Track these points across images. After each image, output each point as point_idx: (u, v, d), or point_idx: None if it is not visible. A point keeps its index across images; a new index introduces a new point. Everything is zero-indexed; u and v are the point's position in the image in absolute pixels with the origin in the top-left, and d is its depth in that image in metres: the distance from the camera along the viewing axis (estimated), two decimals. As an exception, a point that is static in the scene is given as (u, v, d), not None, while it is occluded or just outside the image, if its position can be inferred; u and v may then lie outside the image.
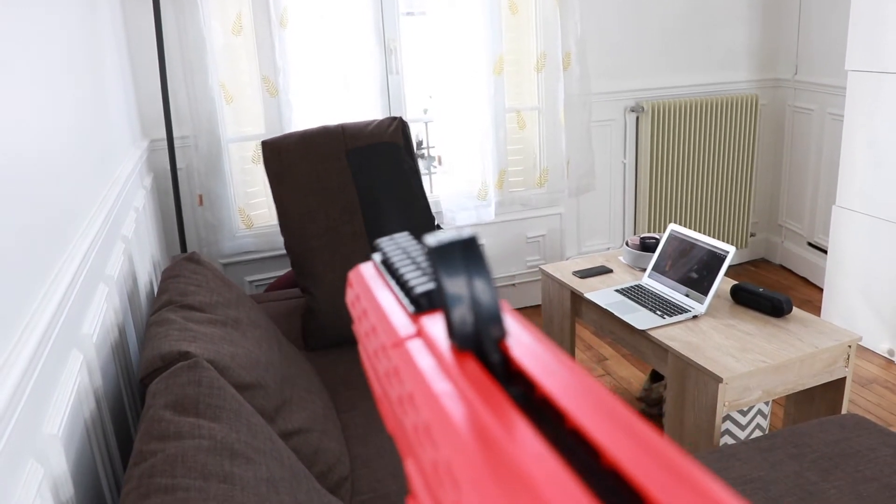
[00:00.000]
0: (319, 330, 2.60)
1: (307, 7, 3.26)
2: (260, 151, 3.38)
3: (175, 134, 3.17)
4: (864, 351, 3.44)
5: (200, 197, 3.30)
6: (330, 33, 3.34)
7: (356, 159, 2.59)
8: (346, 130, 2.63)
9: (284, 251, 3.30)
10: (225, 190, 3.32)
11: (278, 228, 3.11)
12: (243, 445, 1.37)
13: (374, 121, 2.67)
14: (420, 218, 2.64)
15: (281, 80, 3.26)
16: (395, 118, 2.66)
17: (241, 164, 3.41)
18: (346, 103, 3.39)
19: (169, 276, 2.08)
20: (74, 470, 1.33)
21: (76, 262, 1.55)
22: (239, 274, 3.47)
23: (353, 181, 2.58)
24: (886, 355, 3.38)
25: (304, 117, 3.29)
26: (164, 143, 3.14)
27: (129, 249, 2.22)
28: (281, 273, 3.47)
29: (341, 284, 2.57)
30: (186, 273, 2.10)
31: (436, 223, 2.70)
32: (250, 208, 3.45)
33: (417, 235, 2.60)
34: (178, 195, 3.15)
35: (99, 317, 1.69)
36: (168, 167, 3.15)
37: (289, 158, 2.62)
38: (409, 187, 2.62)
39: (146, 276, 2.52)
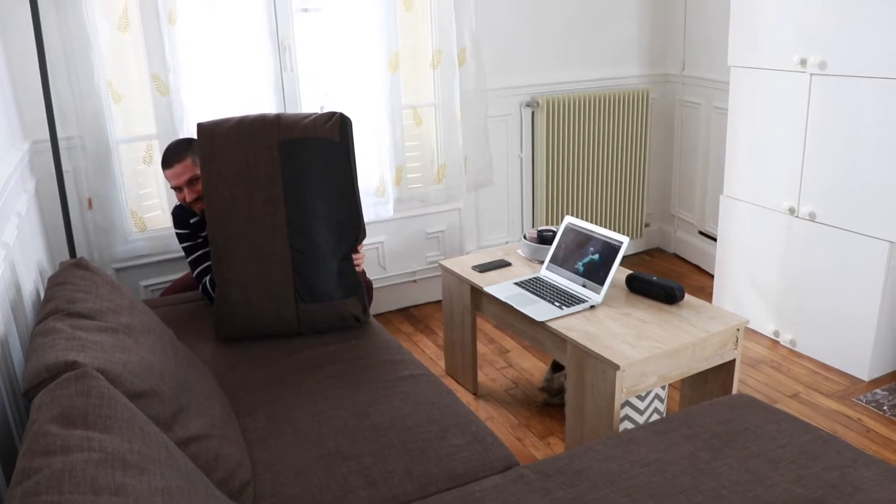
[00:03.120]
0: (230, 318, 2.55)
1: (197, 3, 3.18)
2: (150, 152, 3.30)
3: (60, 135, 3.03)
4: (752, 333, 3.61)
5: (90, 200, 3.18)
6: (221, 30, 3.26)
7: (288, 151, 2.54)
8: (281, 121, 2.58)
9: (179, 254, 3.23)
10: (116, 192, 3.21)
11: (173, 231, 3.02)
12: (136, 456, 1.32)
13: (312, 114, 2.62)
14: (346, 218, 2.61)
15: (171, 79, 3.17)
16: (333, 113, 2.60)
17: (132, 165, 3.29)
18: (240, 102, 3.32)
19: (55, 284, 2.00)
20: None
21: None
22: (133, 279, 3.36)
23: (282, 173, 2.53)
24: (772, 336, 3.55)
25: (196, 116, 3.20)
26: (48, 145, 2.99)
27: (11, 257, 2.12)
28: (176, 276, 3.37)
29: (253, 274, 2.53)
30: (74, 280, 2.02)
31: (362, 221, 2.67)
32: (143, 210, 3.34)
33: (340, 232, 2.58)
34: (64, 198, 3.01)
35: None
36: (53, 170, 3.01)
37: (221, 143, 2.56)
38: (339, 186, 2.58)
39: (31, 284, 2.41)
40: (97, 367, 1.56)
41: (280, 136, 2.54)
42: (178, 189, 2.83)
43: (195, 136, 2.78)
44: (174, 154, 2.81)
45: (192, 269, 2.87)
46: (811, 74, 3.15)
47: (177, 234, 2.90)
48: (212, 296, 2.78)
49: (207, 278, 2.78)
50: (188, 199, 2.81)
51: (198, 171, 2.76)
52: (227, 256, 2.55)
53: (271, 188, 2.53)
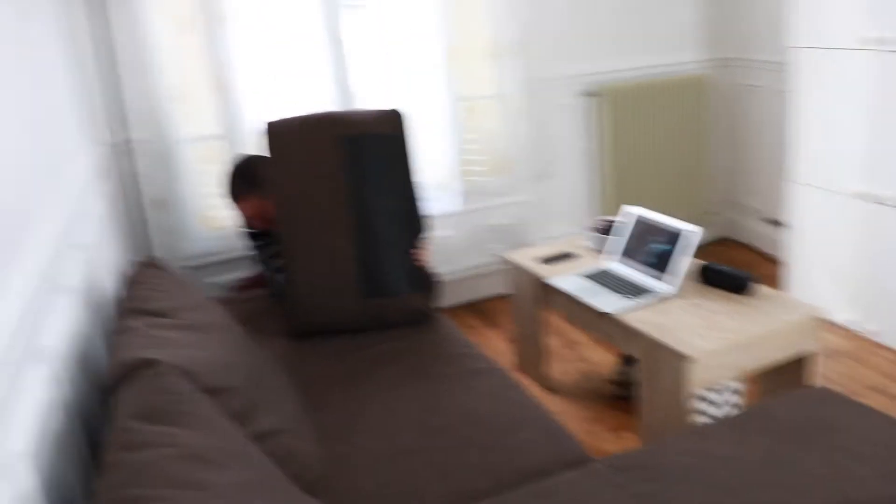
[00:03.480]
0: (300, 313, 2.59)
1: (256, 3, 3.24)
2: (214, 152, 3.36)
3: (130, 137, 3.11)
4: (829, 324, 3.50)
5: (159, 201, 3.25)
6: (280, 30, 3.33)
7: (351, 147, 2.58)
8: (343, 118, 2.63)
9: (243, 252, 3.28)
10: (182, 192, 3.28)
11: (237, 230, 3.07)
12: (214, 451, 1.35)
13: (372, 110, 2.67)
14: (409, 213, 2.64)
15: (231, 78, 3.22)
16: (391, 109, 2.65)
17: (197, 164, 3.35)
18: (299, 99, 3.36)
19: (130, 283, 2.05)
20: (48, 486, 1.30)
21: (33, 274, 1.51)
22: (203, 276, 3.42)
23: (345, 168, 2.57)
24: (851, 326, 3.43)
25: (255, 114, 3.25)
26: (120, 148, 3.07)
27: (90, 257, 2.17)
28: (243, 274, 3.42)
29: (322, 270, 2.56)
30: (147, 279, 2.07)
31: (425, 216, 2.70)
32: (209, 209, 3.40)
33: (403, 226, 2.60)
34: (137, 199, 3.09)
35: (62, 328, 1.65)
36: (126, 171, 3.09)
37: (288, 140, 2.62)
38: (400, 182, 2.62)
39: (111, 283, 2.47)
40: (174, 364, 1.59)
41: (341, 133, 2.58)
42: (249, 219, 2.92)
43: (254, 138, 2.83)
44: (238, 189, 2.90)
45: (266, 267, 2.91)
46: (882, 52, 3.03)
47: (248, 233, 2.95)
48: (283, 292, 2.82)
49: (280, 275, 2.82)
50: (257, 227, 2.90)
51: (266, 205, 2.80)
52: (295, 252, 2.59)
53: (335, 183, 2.56)
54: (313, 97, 3.43)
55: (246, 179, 2.89)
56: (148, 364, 1.54)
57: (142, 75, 3.09)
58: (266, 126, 2.64)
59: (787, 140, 3.65)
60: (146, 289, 1.98)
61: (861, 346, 3.29)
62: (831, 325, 3.48)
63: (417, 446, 1.90)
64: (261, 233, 2.91)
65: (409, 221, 2.63)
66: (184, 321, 1.88)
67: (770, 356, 2.38)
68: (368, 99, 3.61)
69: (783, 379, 2.62)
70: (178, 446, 1.30)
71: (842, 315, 3.47)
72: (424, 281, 2.65)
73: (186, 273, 3.37)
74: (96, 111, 3.11)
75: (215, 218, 3.43)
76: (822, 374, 3.08)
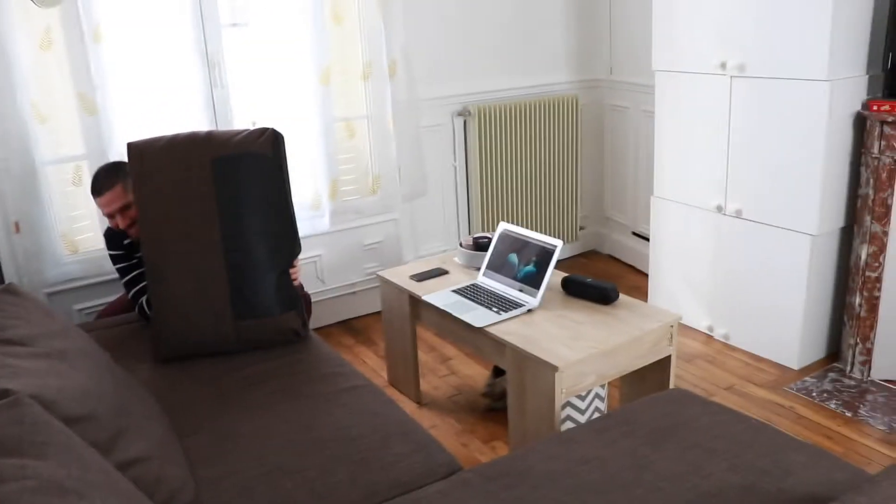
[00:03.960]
0: (168, 337, 2.53)
1: (123, 20, 3.13)
2: (79, 172, 3.24)
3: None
4: (687, 329, 3.70)
5: (16, 224, 3.10)
6: (149, 47, 3.23)
7: (221, 168, 2.52)
8: (213, 138, 2.56)
9: (113, 276, 3.17)
10: (44, 215, 3.13)
11: (106, 253, 2.97)
12: (74, 481, 1.31)
13: (244, 130, 2.61)
14: (282, 232, 2.61)
15: (99, 98, 3.12)
16: (265, 129, 2.60)
17: (61, 186, 3.22)
18: (170, 120, 3.28)
19: (-17, 311, 1.95)
20: None
21: None
22: (66, 303, 3.29)
23: (215, 190, 2.51)
24: (707, 331, 3.65)
25: (125, 136, 3.15)
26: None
27: (-64, 285, 2.06)
28: (111, 299, 3.31)
29: (190, 291, 2.50)
30: (3, 306, 1.98)
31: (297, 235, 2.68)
32: (74, 233, 3.27)
33: (276, 246, 2.57)
34: (-9, 223, 2.94)
35: None
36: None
37: (152, 162, 2.53)
38: (273, 201, 2.57)
39: (-42, 312, 2.34)
40: (31, 394, 1.53)
41: (212, 154, 2.53)
42: (110, 216, 2.80)
43: (124, 159, 2.75)
44: (104, 181, 2.78)
45: (128, 290, 2.82)
46: (731, 77, 3.26)
47: (110, 255, 2.85)
48: (148, 316, 2.75)
49: (144, 298, 2.74)
50: (121, 225, 2.77)
51: (130, 198, 2.72)
52: (163, 276, 2.52)
53: (205, 205, 2.51)
54: (186, 117, 3.37)
55: (111, 172, 2.79)
56: (2, 394, 1.48)
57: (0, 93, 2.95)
58: (127, 147, 2.57)
59: (653, 158, 3.86)
60: (2, 317, 1.89)
61: (716, 350, 3.50)
62: (690, 331, 3.69)
63: (290, 466, 1.89)
64: (124, 254, 2.82)
65: (283, 241, 2.61)
66: (42, 349, 1.81)
67: (632, 362, 2.50)
68: (243, 118, 3.57)
69: (645, 381, 2.76)
70: (35, 478, 1.26)
71: (699, 321, 3.68)
72: (296, 300, 2.64)
73: (48, 299, 3.23)
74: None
75: (80, 241, 3.30)
76: (682, 377, 3.26)
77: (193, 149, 2.54)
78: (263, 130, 2.59)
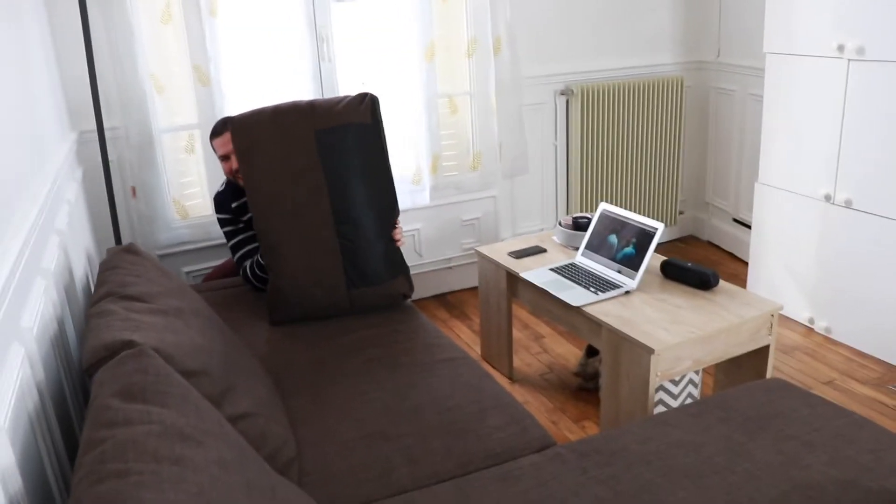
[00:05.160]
0: (284, 306, 2.63)
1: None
2: (192, 141, 3.37)
3: (105, 125, 3.11)
4: (786, 320, 3.61)
5: (133, 189, 3.26)
6: (261, 21, 3.33)
7: (325, 140, 2.57)
8: (315, 109, 2.60)
9: (220, 241, 3.30)
10: (158, 181, 3.29)
11: (213, 218, 3.09)
12: (192, 429, 1.39)
13: (344, 98, 2.64)
14: (385, 199, 2.67)
15: (212, 69, 3.24)
16: (365, 95, 2.63)
17: (175, 154, 3.37)
18: (279, 91, 3.38)
19: (107, 268, 2.07)
20: (21, 462, 1.34)
21: (12, 257, 1.54)
22: (175, 265, 3.45)
23: (321, 163, 2.56)
24: (807, 324, 3.55)
25: (237, 106, 3.27)
26: (94, 135, 3.08)
27: (64, 243, 2.20)
28: (216, 263, 3.45)
29: (304, 265, 2.59)
30: (125, 264, 2.10)
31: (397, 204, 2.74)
32: (185, 199, 3.42)
33: (381, 213, 2.64)
34: (110, 187, 3.10)
35: (38, 310, 1.68)
36: (99, 159, 3.10)
37: (258, 136, 2.59)
38: (375, 169, 2.63)
39: (81, 269, 2.49)
40: (152, 347, 1.62)
41: (315, 125, 2.58)
42: (225, 158, 2.89)
43: None
44: (224, 124, 2.88)
45: (233, 254, 2.94)
46: (849, 60, 3.14)
47: (218, 219, 2.96)
48: (252, 281, 2.85)
49: (248, 263, 2.85)
50: (235, 166, 2.85)
51: None
52: (277, 249, 2.60)
53: (313, 179, 2.57)
54: (294, 89, 3.46)
55: (229, 119, 2.83)
56: (128, 345, 1.58)
57: (120, 64, 3.09)
58: (230, 122, 2.64)
59: (759, 143, 3.76)
60: (123, 274, 2.01)
61: (817, 343, 3.40)
62: (789, 322, 3.60)
63: (387, 431, 1.95)
64: (231, 218, 2.92)
65: (385, 208, 2.67)
66: (161, 306, 1.91)
67: (729, 350, 2.46)
68: (349, 91, 3.63)
69: (740, 371, 2.72)
70: (158, 423, 1.34)
71: (799, 312, 3.58)
72: (403, 265, 2.71)
73: (160, 261, 3.39)
74: (72, 99, 3.12)
75: (190, 207, 3.44)
76: (778, 369, 3.19)
77: (297, 121, 2.59)
78: (363, 97, 2.62)
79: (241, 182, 2.85)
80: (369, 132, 2.62)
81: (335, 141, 2.57)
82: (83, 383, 2.06)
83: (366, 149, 2.61)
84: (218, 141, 2.90)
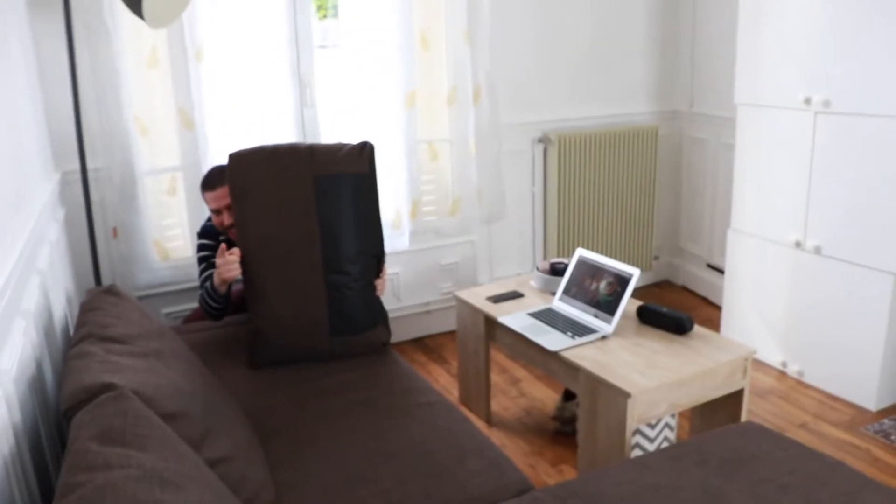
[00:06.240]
0: (265, 349, 2.62)
1: (223, 41, 3.29)
2: (174, 183, 3.39)
3: (89, 165, 3.12)
4: (760, 364, 3.66)
5: (115, 229, 3.27)
6: (246, 67, 3.37)
7: (322, 187, 2.57)
8: (314, 154, 2.60)
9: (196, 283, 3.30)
10: (140, 222, 3.29)
11: (195, 260, 3.09)
12: (172, 473, 1.39)
13: (344, 145, 2.65)
14: (373, 249, 2.69)
15: (197, 113, 3.27)
16: (364, 144, 2.65)
17: (157, 196, 3.39)
18: (262, 136, 3.42)
19: (88, 309, 2.08)
20: (-4, 507, 1.33)
21: (-4, 296, 1.55)
22: (155, 306, 3.44)
23: (317, 210, 2.57)
24: (780, 367, 3.59)
25: (220, 150, 3.30)
26: (78, 176, 3.09)
27: (45, 283, 2.20)
28: (196, 305, 3.44)
29: (289, 310, 2.59)
30: (105, 306, 2.10)
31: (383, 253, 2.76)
32: (166, 240, 3.43)
33: (369, 264, 2.65)
34: (92, 228, 3.11)
35: (17, 352, 1.68)
36: (81, 200, 3.11)
37: (255, 176, 2.59)
38: (367, 219, 2.64)
39: (61, 309, 2.49)
40: (132, 389, 1.63)
41: (314, 171, 2.59)
42: (217, 212, 2.87)
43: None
44: (218, 177, 2.84)
45: (202, 285, 2.89)
46: (816, 112, 3.24)
47: (199, 244, 2.94)
48: (205, 299, 2.83)
49: (208, 284, 2.81)
50: (226, 222, 2.84)
51: None
52: (263, 293, 2.61)
53: (307, 225, 2.58)
54: (277, 134, 3.49)
55: (225, 171, 2.78)
56: (107, 388, 1.58)
57: (105, 105, 3.12)
58: (228, 158, 2.64)
59: (731, 190, 3.84)
60: (104, 315, 2.01)
61: (789, 386, 3.45)
62: (763, 366, 3.64)
63: (366, 474, 1.96)
64: (214, 245, 2.90)
65: (373, 258, 2.70)
66: (141, 348, 1.91)
67: (705, 393, 2.50)
68: (330, 137, 3.69)
69: (715, 414, 2.75)
70: (138, 468, 1.34)
71: (772, 356, 3.63)
72: (383, 314, 2.72)
73: (141, 302, 3.38)
74: (56, 139, 3.14)
75: (171, 249, 3.45)
76: (753, 412, 3.23)
77: (295, 164, 2.60)
78: (363, 146, 2.64)
79: (232, 236, 2.84)
80: (365, 182, 2.64)
81: (332, 188, 2.58)
82: (59, 426, 2.05)
83: (360, 198, 2.63)
84: (211, 195, 2.87)
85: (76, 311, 2.84)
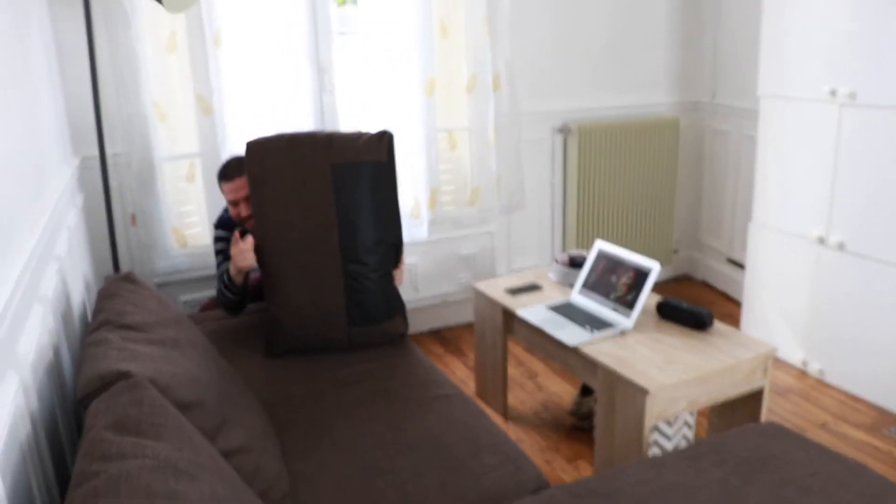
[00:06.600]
0: (282, 340, 2.62)
1: (242, 26, 3.28)
2: (192, 170, 3.38)
3: (107, 151, 3.12)
4: (780, 362, 3.61)
5: (133, 216, 3.27)
6: (264, 53, 3.36)
7: (341, 175, 2.55)
8: (333, 142, 2.58)
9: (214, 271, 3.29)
10: (158, 209, 3.29)
11: (212, 249, 3.09)
12: (186, 463, 1.38)
13: (363, 134, 2.63)
14: (392, 239, 2.67)
15: (215, 99, 3.26)
16: (384, 133, 2.62)
17: (175, 182, 3.38)
18: (281, 123, 3.40)
19: (105, 296, 2.07)
20: (11, 494, 1.32)
21: (11, 282, 1.54)
22: (173, 293, 3.44)
23: (335, 199, 2.55)
24: (801, 366, 3.55)
25: (238, 136, 3.29)
26: (97, 162, 3.09)
27: (63, 269, 2.20)
28: (214, 293, 3.45)
29: (307, 300, 2.58)
30: (123, 293, 2.09)
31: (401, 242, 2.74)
32: (185, 227, 3.42)
33: (387, 254, 2.64)
34: (110, 214, 3.11)
35: (34, 338, 1.67)
36: (100, 186, 3.11)
37: (273, 164, 2.57)
38: (385, 208, 2.62)
39: (79, 296, 2.49)
40: (148, 378, 1.62)
41: (332, 159, 2.57)
42: (234, 203, 2.83)
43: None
44: (235, 168, 2.81)
45: (217, 270, 2.89)
46: (841, 105, 3.18)
47: (216, 237, 2.94)
48: (223, 291, 2.82)
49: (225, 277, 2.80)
50: (244, 213, 2.82)
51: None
52: (280, 282, 2.60)
53: (325, 213, 2.56)
54: (296, 121, 3.49)
55: (242, 161, 2.76)
56: (123, 376, 1.57)
57: (124, 90, 3.11)
58: (245, 146, 2.63)
59: (753, 183, 3.79)
60: (121, 302, 2.01)
61: (810, 385, 3.41)
62: (783, 364, 3.60)
63: (383, 466, 1.94)
64: (228, 248, 2.89)
65: (391, 248, 2.68)
66: (158, 336, 1.91)
67: (724, 391, 2.46)
68: (349, 124, 3.66)
69: (734, 413, 2.71)
70: (153, 457, 1.33)
71: (793, 354, 3.59)
72: (401, 305, 2.71)
73: (159, 289, 3.39)
74: (75, 125, 3.13)
75: (189, 236, 3.45)
76: (773, 411, 3.19)
77: (314, 153, 2.57)
78: (381, 135, 2.62)
79: (249, 227, 2.81)
80: (384, 170, 2.62)
81: (351, 177, 2.56)
82: (77, 413, 2.05)
83: (379, 187, 2.61)
84: (228, 186, 2.83)
85: (94, 297, 2.84)
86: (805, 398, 3.31)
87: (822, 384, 3.42)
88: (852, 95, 3.12)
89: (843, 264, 3.27)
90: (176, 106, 3.29)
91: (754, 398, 2.61)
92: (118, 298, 2.03)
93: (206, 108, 3.29)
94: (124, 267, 3.30)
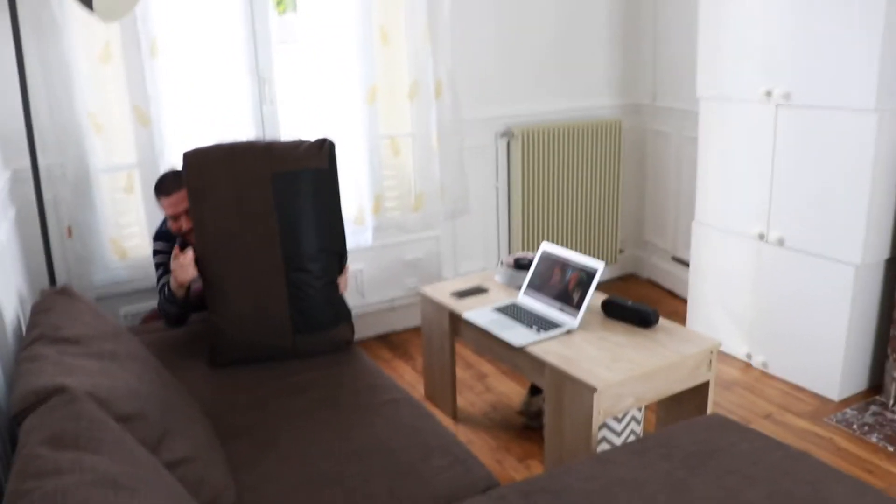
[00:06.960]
0: (226, 351, 2.58)
1: (178, 36, 3.22)
2: (131, 181, 3.31)
3: (41, 163, 3.04)
4: (725, 356, 3.68)
5: (69, 228, 3.19)
6: (202, 62, 3.31)
7: (281, 184, 2.52)
8: (272, 151, 2.55)
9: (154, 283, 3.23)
10: (96, 220, 3.21)
11: (152, 259, 3.03)
12: (126, 477, 1.35)
13: (304, 142, 2.60)
14: (335, 246, 2.65)
15: (153, 110, 3.20)
16: (324, 140, 2.60)
17: (113, 193, 3.31)
18: (220, 133, 3.35)
19: (40, 311, 2.02)
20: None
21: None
22: (113, 306, 3.36)
23: (276, 207, 2.52)
24: (745, 359, 3.62)
25: (177, 147, 3.23)
26: (29, 174, 3.01)
27: (-6, 284, 2.13)
28: (155, 304, 3.38)
29: (250, 309, 2.55)
30: (59, 306, 2.04)
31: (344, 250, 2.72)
32: (124, 239, 3.35)
33: (331, 262, 2.61)
34: (45, 227, 3.02)
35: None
36: (33, 198, 3.02)
37: (212, 174, 2.53)
38: (328, 215, 2.60)
39: (12, 311, 2.41)
40: (85, 391, 1.58)
41: (272, 168, 2.54)
42: (174, 218, 2.78)
43: (176, 169, 2.79)
44: (173, 181, 2.76)
45: (158, 284, 2.84)
46: (776, 105, 3.26)
47: (155, 250, 2.89)
48: (163, 304, 2.78)
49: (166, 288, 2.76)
50: (185, 227, 2.76)
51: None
52: (223, 292, 2.56)
53: (267, 223, 2.53)
54: (236, 131, 3.43)
55: (180, 175, 2.72)
56: (59, 390, 1.53)
57: (56, 102, 3.03)
58: (182, 157, 2.59)
59: (695, 183, 3.86)
60: (56, 316, 1.95)
61: (754, 378, 3.47)
62: (728, 358, 3.67)
63: (330, 474, 1.92)
64: (168, 260, 2.84)
65: (335, 256, 2.66)
66: (95, 349, 1.86)
67: (670, 386, 2.50)
68: (290, 134, 3.63)
69: (681, 407, 2.75)
70: (90, 472, 1.30)
71: (738, 348, 3.66)
72: (347, 312, 2.69)
73: (95, 303, 3.31)
74: (6, 136, 3.04)
75: (128, 248, 3.37)
76: (719, 404, 3.24)
77: (253, 162, 2.55)
78: (322, 142, 2.60)
79: (189, 240, 2.76)
80: (325, 178, 2.60)
81: (292, 185, 2.54)
82: (11, 431, 1.98)
83: (321, 194, 2.59)
84: (167, 200, 2.77)
85: (29, 312, 2.76)
86: (750, 390, 3.37)
87: (766, 376, 3.49)
88: (787, 96, 3.20)
89: (783, 260, 3.35)
90: (112, 116, 3.21)
91: (700, 391, 2.65)
92: (53, 312, 1.98)
93: (143, 119, 3.22)
94: (61, 280, 3.21)
